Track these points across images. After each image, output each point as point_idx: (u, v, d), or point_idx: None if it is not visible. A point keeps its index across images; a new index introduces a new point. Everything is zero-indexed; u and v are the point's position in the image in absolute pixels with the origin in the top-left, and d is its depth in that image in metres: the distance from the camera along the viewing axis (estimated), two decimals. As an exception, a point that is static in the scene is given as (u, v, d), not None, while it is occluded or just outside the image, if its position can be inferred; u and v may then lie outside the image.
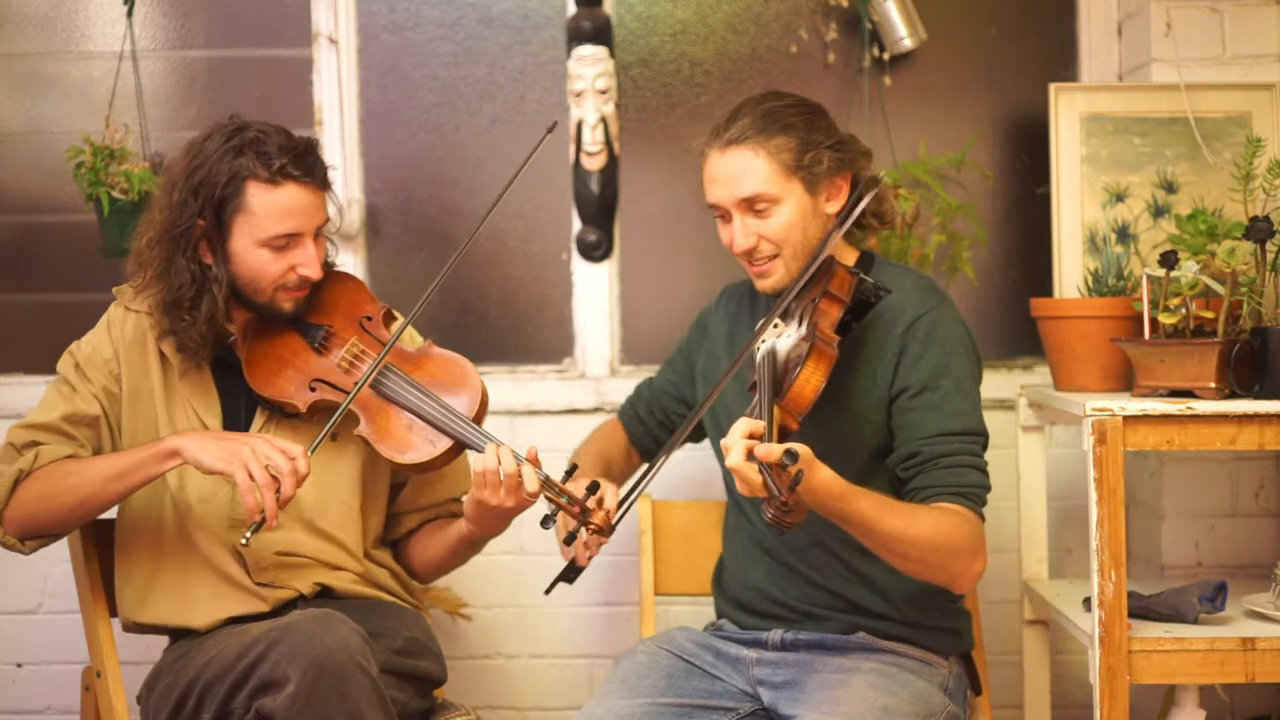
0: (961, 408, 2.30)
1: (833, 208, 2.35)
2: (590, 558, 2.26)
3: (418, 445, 2.30)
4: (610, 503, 2.25)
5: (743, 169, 2.29)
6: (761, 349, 2.26)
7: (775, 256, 2.32)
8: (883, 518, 2.15)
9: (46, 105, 3.21)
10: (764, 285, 2.36)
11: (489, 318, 3.21)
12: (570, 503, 2.21)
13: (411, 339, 2.48)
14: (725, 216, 2.34)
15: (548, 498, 2.22)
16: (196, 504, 2.34)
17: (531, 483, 2.21)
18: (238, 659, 2.11)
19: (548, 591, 2.30)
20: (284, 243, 2.31)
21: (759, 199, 2.29)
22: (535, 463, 2.23)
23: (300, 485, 2.19)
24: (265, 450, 2.18)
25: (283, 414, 2.38)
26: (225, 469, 2.17)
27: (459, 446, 2.29)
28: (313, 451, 2.24)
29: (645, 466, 2.30)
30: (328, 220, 2.38)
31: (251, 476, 2.15)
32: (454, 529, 2.41)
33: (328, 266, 2.46)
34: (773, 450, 1.97)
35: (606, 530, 2.21)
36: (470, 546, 2.43)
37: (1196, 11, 2.91)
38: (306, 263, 2.33)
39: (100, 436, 2.35)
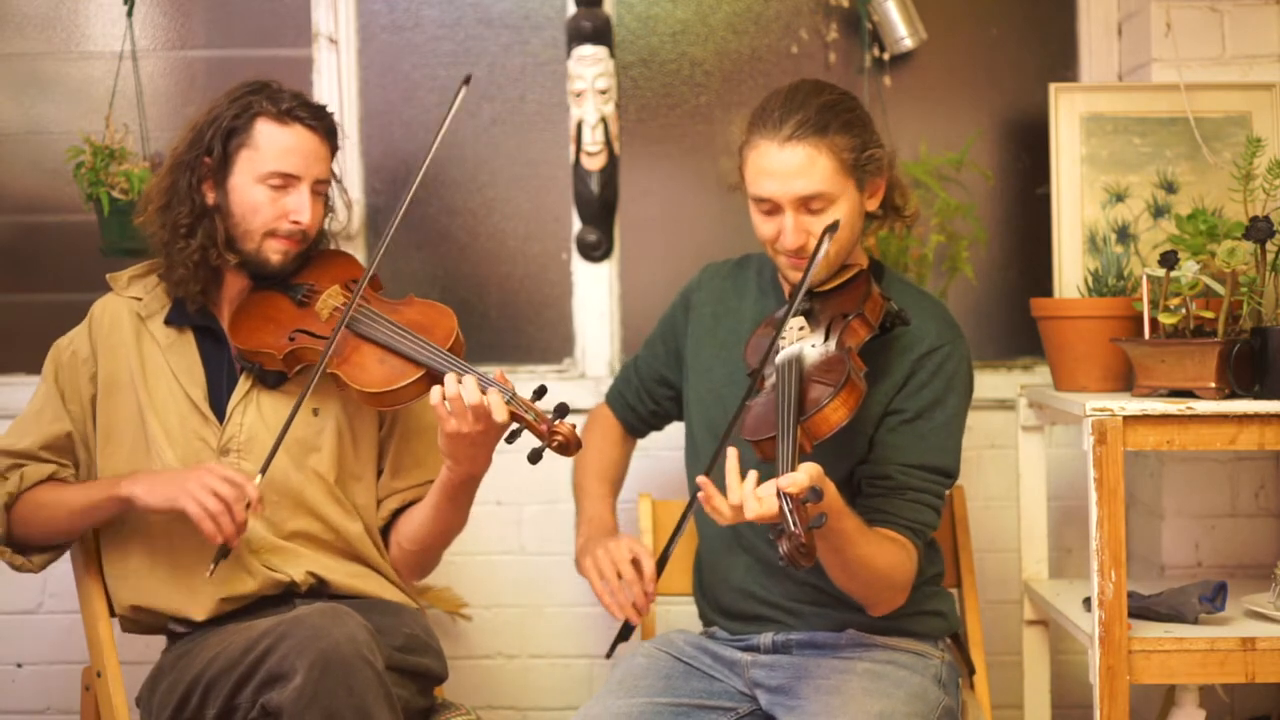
0: (944, 445, 2.31)
1: (872, 205, 2.34)
2: (642, 616, 2.33)
3: (390, 376, 2.30)
4: (649, 569, 2.34)
5: (804, 166, 2.24)
6: (784, 351, 2.23)
7: None
8: (857, 541, 2.15)
9: (46, 105, 3.21)
10: (800, 278, 2.30)
11: (489, 318, 3.22)
12: (537, 420, 2.21)
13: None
14: (773, 210, 2.29)
15: (514, 414, 2.21)
16: None
17: (499, 408, 2.19)
18: (244, 653, 2.11)
19: (609, 655, 2.37)
20: (281, 182, 2.36)
21: (818, 198, 2.25)
22: (504, 382, 2.23)
23: (255, 509, 2.24)
24: (211, 480, 2.23)
25: (265, 381, 2.39)
26: (173, 505, 2.24)
27: (431, 376, 2.28)
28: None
29: (674, 530, 2.32)
30: (329, 180, 2.44)
31: (203, 506, 2.21)
32: (436, 484, 2.38)
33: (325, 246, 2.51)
34: (798, 481, 1.95)
35: (573, 447, 2.21)
36: (453, 498, 2.38)
37: (1196, 11, 2.91)
38: (299, 209, 2.37)
39: (75, 450, 2.43)
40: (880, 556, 2.19)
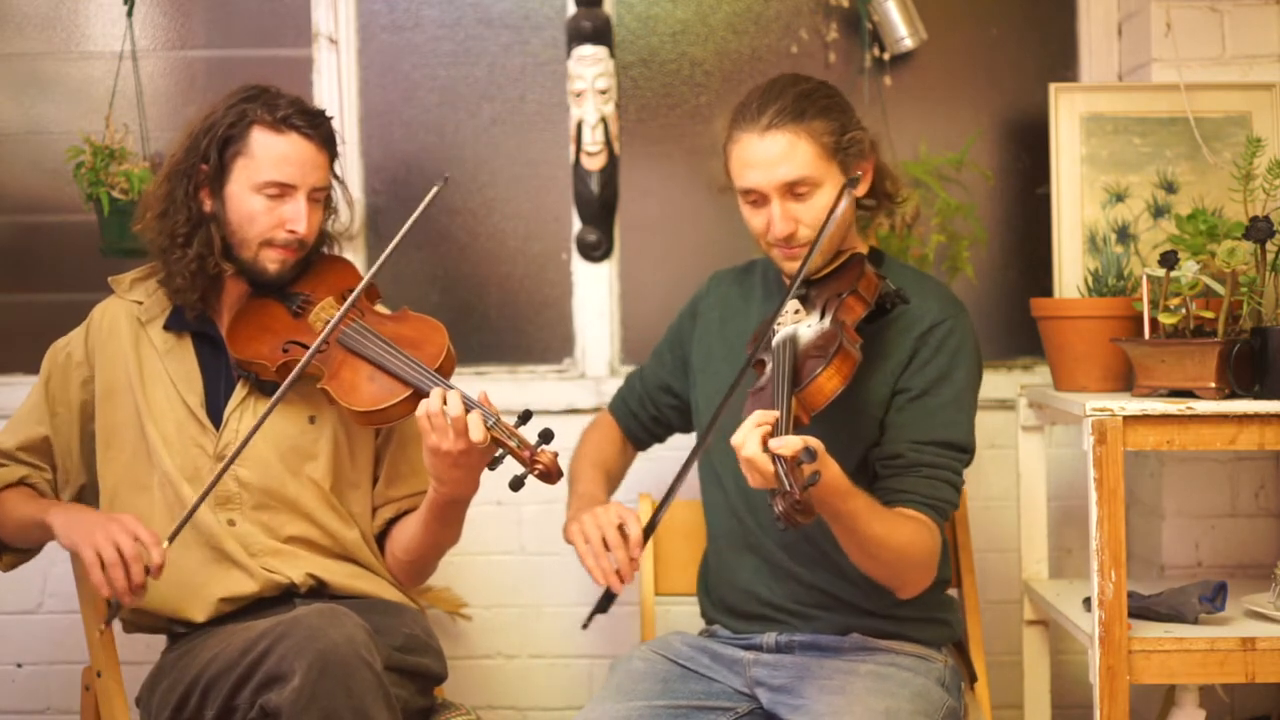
0: (955, 419, 2.30)
1: (860, 190, 2.35)
2: (624, 584, 2.26)
3: (377, 394, 2.29)
4: (635, 534, 2.26)
5: (785, 153, 2.26)
6: (780, 332, 2.24)
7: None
8: (870, 520, 2.15)
9: (46, 105, 3.21)
10: (794, 268, 2.30)
11: (489, 318, 3.22)
12: (520, 446, 2.20)
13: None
14: (759, 201, 2.30)
15: (496, 439, 2.19)
16: (182, 482, 2.35)
17: (477, 427, 2.18)
18: (242, 654, 2.11)
19: (585, 626, 2.32)
20: (277, 192, 2.35)
21: (802, 183, 2.26)
22: (488, 405, 2.22)
23: (154, 575, 2.20)
24: (117, 533, 2.19)
25: (261, 387, 2.39)
26: (73, 548, 2.22)
27: (419, 395, 2.27)
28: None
29: (662, 499, 2.29)
30: (327, 187, 2.42)
31: (99, 554, 2.18)
32: (424, 502, 2.38)
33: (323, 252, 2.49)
34: (790, 443, 1.96)
35: (554, 475, 2.19)
36: (441, 517, 2.38)
37: (1196, 11, 2.91)
38: (295, 218, 2.36)
39: (53, 454, 2.44)
40: (896, 534, 2.19)
